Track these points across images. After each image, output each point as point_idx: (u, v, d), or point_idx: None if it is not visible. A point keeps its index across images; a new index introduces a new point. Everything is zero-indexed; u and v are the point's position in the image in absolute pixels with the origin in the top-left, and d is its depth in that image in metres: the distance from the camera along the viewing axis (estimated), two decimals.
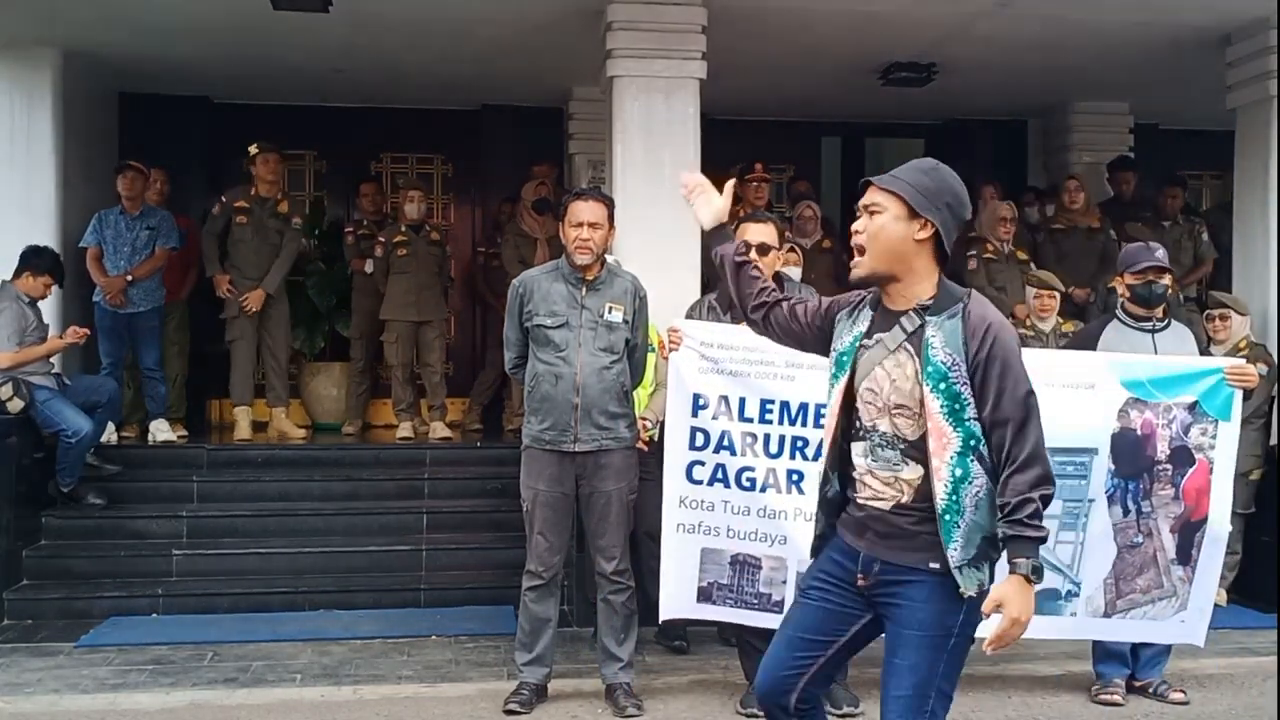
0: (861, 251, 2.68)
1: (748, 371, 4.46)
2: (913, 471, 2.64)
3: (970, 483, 2.58)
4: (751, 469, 4.48)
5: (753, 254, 4.50)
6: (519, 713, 4.54)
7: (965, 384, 2.58)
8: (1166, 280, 4.83)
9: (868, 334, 2.71)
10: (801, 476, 4.41)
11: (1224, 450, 4.51)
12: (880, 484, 2.68)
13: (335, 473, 7.07)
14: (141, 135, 8.31)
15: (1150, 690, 4.82)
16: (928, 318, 2.63)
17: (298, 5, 6.50)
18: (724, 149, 8.21)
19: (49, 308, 6.69)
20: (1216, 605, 4.69)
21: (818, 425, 4.34)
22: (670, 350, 4.58)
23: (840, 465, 2.78)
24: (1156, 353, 4.70)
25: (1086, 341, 4.90)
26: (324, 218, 9.11)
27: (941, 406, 2.57)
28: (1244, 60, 7.03)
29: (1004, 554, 2.59)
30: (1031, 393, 2.59)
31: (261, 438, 7.64)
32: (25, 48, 7.25)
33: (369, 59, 7.81)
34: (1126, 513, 4.52)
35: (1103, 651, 4.83)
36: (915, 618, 2.61)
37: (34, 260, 6.42)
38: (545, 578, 4.60)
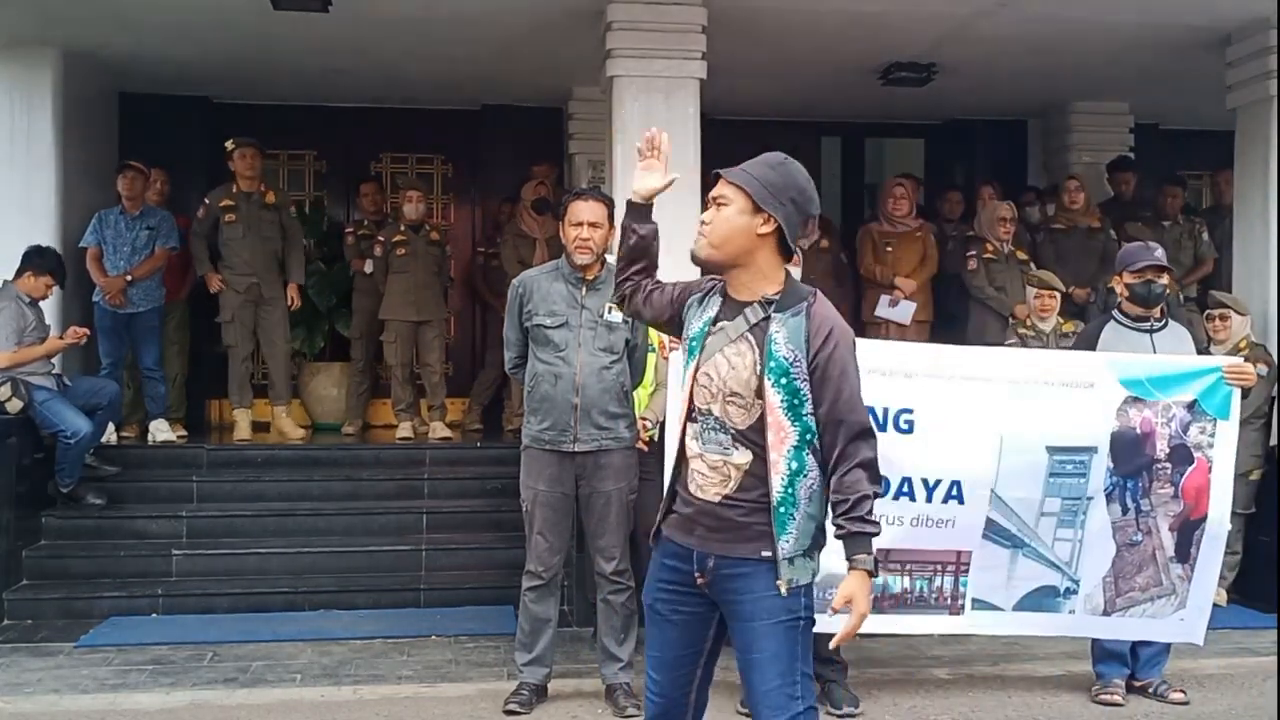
0: (701, 236, 2.73)
1: None
2: (741, 457, 2.66)
3: (805, 475, 2.63)
4: None
5: None
6: (519, 713, 4.54)
7: (805, 380, 2.61)
8: (1165, 280, 4.83)
9: (714, 321, 2.74)
10: None
11: (1223, 449, 4.52)
12: (708, 469, 2.69)
13: (335, 473, 7.06)
14: (141, 135, 8.30)
15: (1150, 690, 4.82)
16: (773, 313, 2.66)
17: (298, 5, 6.50)
18: (724, 149, 8.21)
19: (49, 308, 6.68)
20: (1216, 605, 4.70)
21: None
22: (671, 350, 4.58)
23: (679, 455, 2.80)
24: (1155, 352, 4.70)
25: (1086, 343, 4.90)
26: (324, 218, 9.11)
27: (782, 401, 2.61)
28: (1244, 60, 7.03)
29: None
30: (862, 402, 2.67)
31: (261, 438, 7.64)
32: (25, 48, 7.25)
33: (369, 59, 7.80)
34: (1125, 511, 4.52)
35: (1102, 651, 4.83)
36: (761, 608, 2.63)
37: (36, 260, 6.42)
38: (545, 578, 4.60)
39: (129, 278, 7.13)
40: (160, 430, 7.26)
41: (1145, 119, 9.19)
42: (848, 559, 2.60)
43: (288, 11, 6.57)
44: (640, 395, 5.22)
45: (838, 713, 4.54)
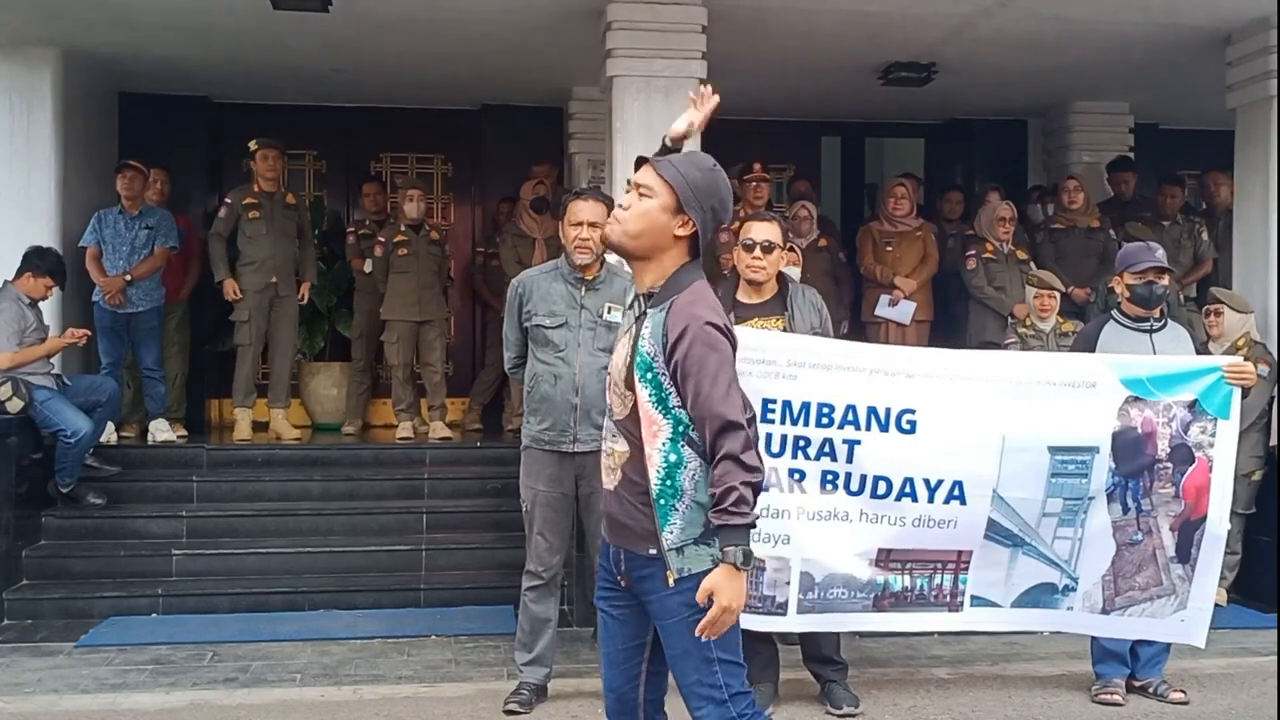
0: (617, 221, 2.69)
1: (749, 371, 4.44)
2: (621, 446, 2.69)
3: (684, 466, 2.61)
4: None
5: (757, 251, 4.54)
6: (519, 713, 4.54)
7: (666, 376, 2.59)
8: (1166, 281, 4.83)
9: (625, 312, 2.84)
10: (803, 475, 4.40)
11: (1223, 448, 4.51)
12: (605, 456, 2.76)
13: (335, 473, 7.07)
14: (141, 135, 8.31)
15: (1150, 690, 4.82)
16: (647, 308, 2.67)
17: (298, 5, 6.50)
18: (724, 149, 8.19)
19: (49, 308, 6.69)
20: (1216, 605, 4.68)
21: (819, 425, 4.34)
22: None
23: None
24: (1154, 352, 4.70)
25: (1085, 343, 4.90)
26: (324, 218, 9.11)
27: (650, 395, 2.61)
28: (1244, 60, 7.03)
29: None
30: (725, 394, 2.55)
31: (261, 438, 7.64)
32: (25, 48, 7.25)
33: (369, 59, 7.81)
34: (1126, 510, 4.52)
35: (1102, 651, 4.83)
36: (663, 608, 2.65)
37: (36, 261, 6.41)
38: (545, 578, 4.60)
39: (128, 278, 7.13)
40: (160, 430, 7.26)
41: (1145, 119, 9.19)
42: (720, 550, 2.54)
43: (288, 11, 6.58)
44: None
45: (838, 712, 4.54)
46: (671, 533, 2.60)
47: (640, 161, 2.73)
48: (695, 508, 2.60)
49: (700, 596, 2.53)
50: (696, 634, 2.55)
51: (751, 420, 2.63)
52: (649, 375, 2.61)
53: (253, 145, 7.60)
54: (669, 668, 2.75)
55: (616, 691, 2.87)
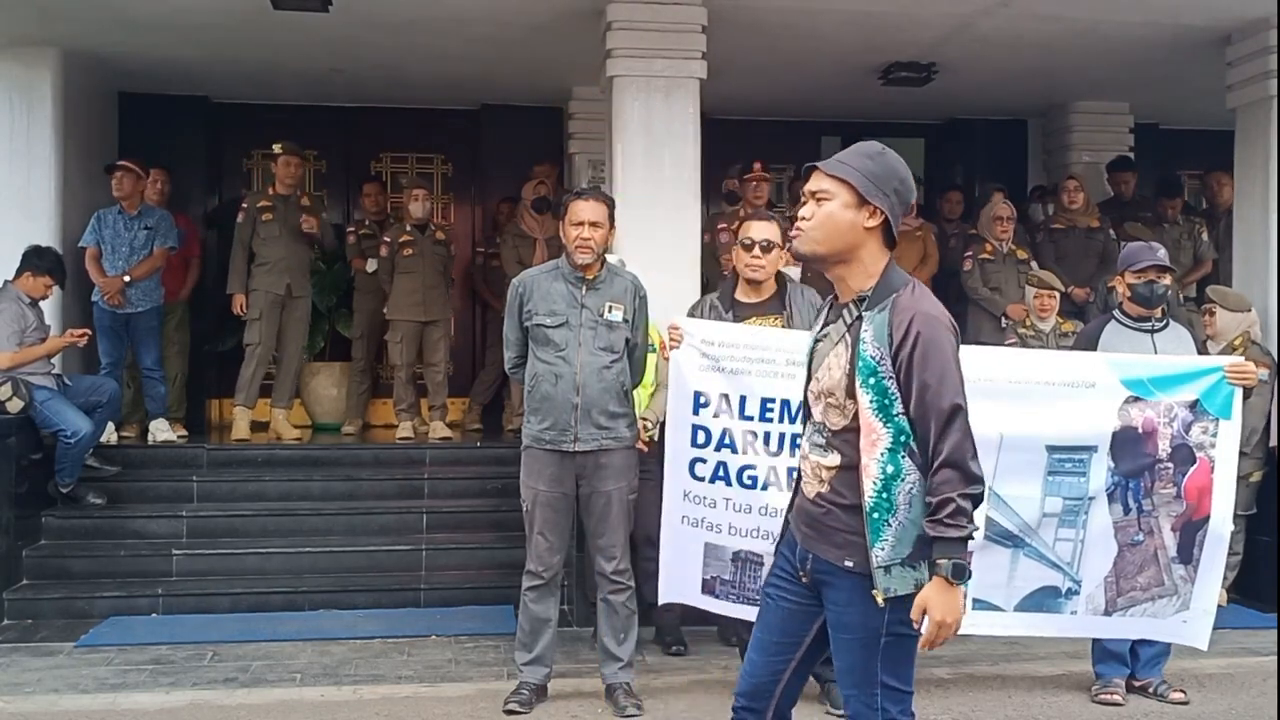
0: (802, 231, 2.64)
1: (748, 370, 4.46)
2: (832, 460, 2.64)
3: (902, 479, 2.53)
4: (753, 467, 4.48)
5: (756, 250, 4.54)
6: (519, 712, 4.54)
7: (892, 379, 2.52)
8: (1168, 280, 4.83)
9: (823, 327, 2.75)
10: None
11: (1225, 449, 4.51)
12: (810, 471, 2.71)
13: (335, 473, 7.07)
14: (141, 135, 8.31)
15: (1150, 690, 4.82)
16: (864, 311, 2.59)
17: (298, 5, 6.50)
18: (724, 149, 8.23)
19: (49, 308, 6.69)
20: (1218, 606, 4.68)
21: None
22: (671, 348, 4.58)
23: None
24: (1156, 352, 4.70)
25: (1086, 342, 4.90)
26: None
27: (871, 402, 2.53)
28: (1244, 60, 7.03)
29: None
30: (958, 390, 2.51)
31: (261, 437, 7.64)
32: (25, 48, 7.25)
33: (369, 59, 7.81)
34: (1127, 511, 4.51)
35: (1102, 651, 4.83)
36: (841, 620, 2.61)
37: (35, 261, 6.42)
38: (545, 577, 4.60)
39: (126, 278, 7.12)
40: (160, 430, 7.26)
41: (1145, 119, 9.19)
42: (931, 564, 2.49)
43: (288, 11, 6.58)
44: (640, 395, 5.22)
45: (837, 713, 4.53)
46: (883, 549, 2.53)
47: (808, 171, 2.68)
48: (909, 524, 2.53)
49: (915, 614, 2.49)
50: (920, 647, 2.55)
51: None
52: (872, 380, 2.53)
53: (277, 148, 7.62)
54: (836, 675, 2.71)
55: (755, 678, 2.80)
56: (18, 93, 7.31)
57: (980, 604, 4.53)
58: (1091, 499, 4.47)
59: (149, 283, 7.27)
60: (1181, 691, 4.78)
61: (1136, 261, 4.79)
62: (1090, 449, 4.46)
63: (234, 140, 9.02)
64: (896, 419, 2.53)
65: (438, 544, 6.50)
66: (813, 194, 2.64)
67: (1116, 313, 4.91)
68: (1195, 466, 4.49)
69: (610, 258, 4.76)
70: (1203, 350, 5.01)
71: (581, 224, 4.49)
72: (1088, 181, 8.32)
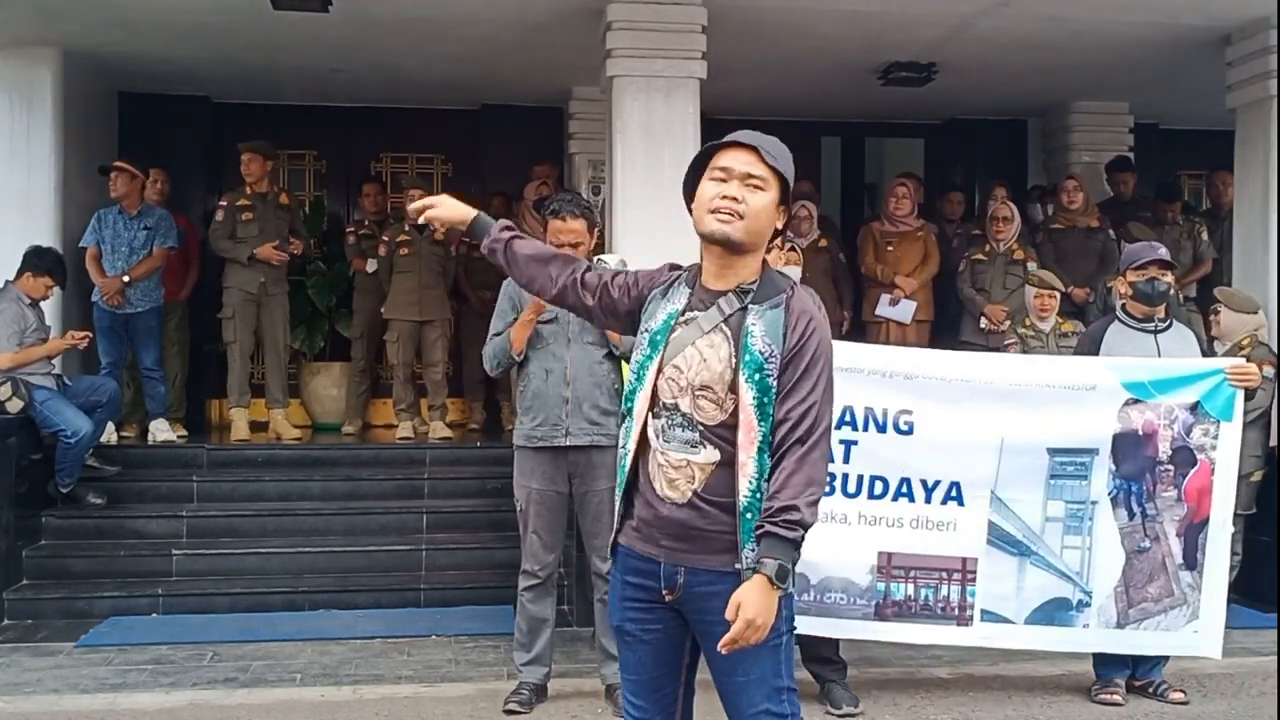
0: (739, 216, 2.48)
1: None
2: (708, 455, 2.47)
3: (767, 479, 2.44)
4: None
5: None
6: (519, 712, 4.54)
7: (776, 377, 2.44)
8: (1169, 278, 4.81)
9: (683, 312, 2.54)
10: None
11: (1226, 451, 4.51)
12: (673, 469, 2.49)
13: (335, 473, 7.06)
14: (141, 135, 8.31)
15: (1150, 690, 4.81)
16: (750, 304, 2.49)
17: (298, 5, 6.51)
18: None
19: (50, 308, 6.69)
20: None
21: None
22: None
23: (637, 454, 2.56)
24: (1159, 353, 4.68)
25: (1089, 343, 4.88)
26: (324, 217, 9.10)
27: (754, 399, 2.43)
28: (1244, 60, 7.03)
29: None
30: (832, 403, 2.50)
31: (261, 437, 7.63)
32: (25, 48, 7.25)
33: (369, 59, 7.81)
34: (1132, 515, 4.51)
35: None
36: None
37: (35, 261, 6.41)
38: (541, 577, 4.61)
39: (126, 279, 7.12)
40: (160, 430, 7.26)
41: (1145, 119, 9.19)
42: (757, 560, 2.38)
43: (288, 11, 6.58)
44: None
45: (837, 712, 4.54)
46: (751, 550, 2.42)
47: (739, 145, 2.53)
48: None
49: (729, 613, 2.36)
50: (719, 648, 2.39)
51: None
52: (757, 376, 2.43)
53: (240, 148, 7.60)
54: (726, 695, 2.55)
55: None
56: (18, 93, 7.31)
57: (989, 615, 4.53)
58: (1094, 503, 4.47)
59: (149, 283, 7.27)
60: (1181, 691, 4.77)
61: (1137, 259, 4.78)
62: (1091, 452, 4.46)
63: (234, 140, 8.97)
64: (769, 419, 2.44)
65: (438, 544, 6.50)
66: (748, 176, 2.50)
67: (1119, 313, 4.90)
68: (1196, 469, 4.50)
69: (611, 258, 4.77)
70: (1208, 351, 5.00)
71: (562, 246, 4.51)
72: (1088, 181, 8.32)
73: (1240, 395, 4.52)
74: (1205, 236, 8.18)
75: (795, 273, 5.59)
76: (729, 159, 2.53)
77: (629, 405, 2.59)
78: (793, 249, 5.92)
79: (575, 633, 5.67)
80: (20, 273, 6.41)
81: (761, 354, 2.45)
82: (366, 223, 8.41)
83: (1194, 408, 4.50)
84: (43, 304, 6.51)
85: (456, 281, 8.58)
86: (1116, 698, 4.74)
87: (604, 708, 4.65)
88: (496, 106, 9.10)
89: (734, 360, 2.46)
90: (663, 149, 6.39)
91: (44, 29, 7.07)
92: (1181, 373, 4.55)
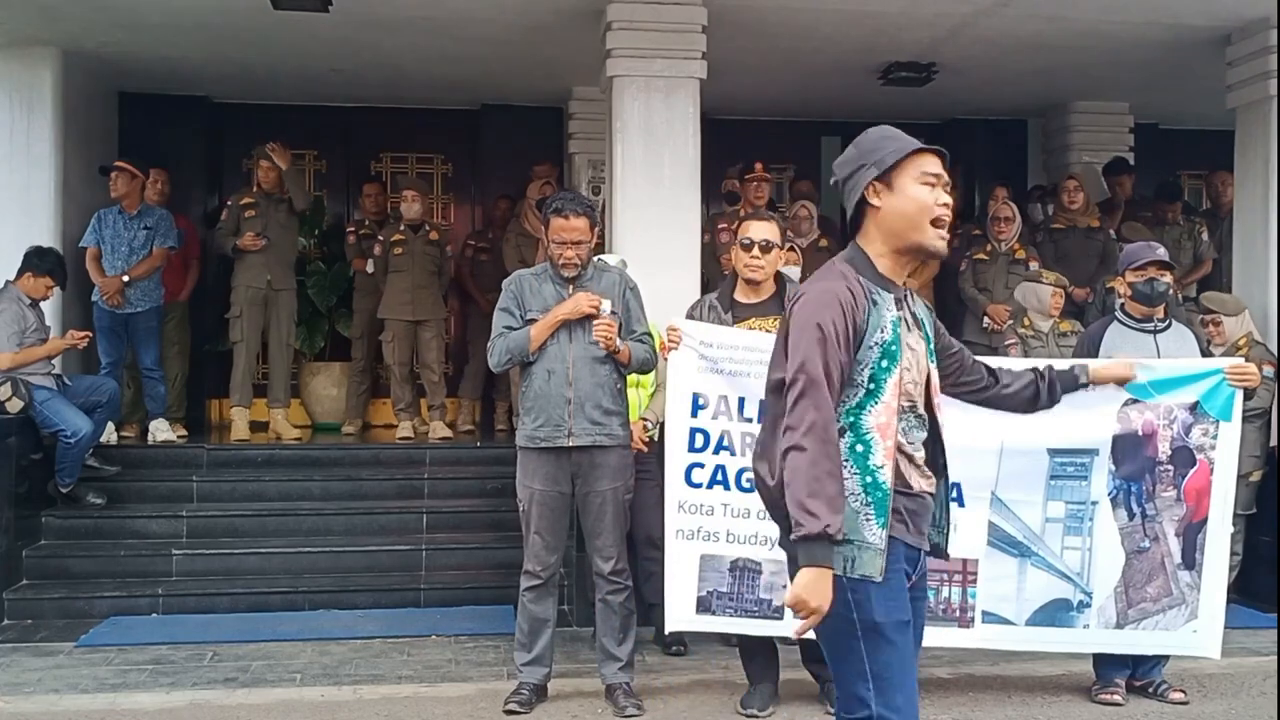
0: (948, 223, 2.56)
1: (747, 371, 4.46)
2: (925, 436, 2.61)
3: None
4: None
5: (755, 250, 4.51)
6: (519, 713, 4.54)
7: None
8: (1168, 278, 4.81)
9: (897, 314, 2.54)
10: None
11: (1225, 451, 4.51)
12: (922, 460, 2.59)
13: (335, 473, 7.07)
14: (141, 135, 8.32)
15: (1150, 690, 4.81)
16: (905, 295, 2.62)
17: (298, 5, 6.51)
18: (724, 149, 8.23)
19: (50, 308, 6.69)
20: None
21: None
22: (670, 349, 4.58)
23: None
24: (1159, 353, 4.68)
25: (1088, 343, 4.88)
26: (324, 217, 9.11)
27: (935, 374, 2.66)
28: (1244, 60, 7.03)
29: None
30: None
31: (261, 437, 7.65)
32: (25, 48, 7.25)
33: (369, 59, 7.81)
34: (1131, 516, 4.51)
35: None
36: (925, 606, 2.65)
37: (36, 261, 6.41)
38: (543, 577, 4.60)
39: (125, 279, 7.12)
40: (160, 430, 7.26)
41: (1145, 119, 9.19)
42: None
43: (288, 11, 6.58)
44: (641, 396, 5.22)
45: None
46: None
47: (933, 151, 2.54)
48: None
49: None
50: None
51: None
52: (933, 356, 2.67)
53: (270, 148, 7.59)
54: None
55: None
56: (18, 93, 7.31)
57: (990, 617, 4.52)
58: (1095, 503, 4.47)
59: (149, 283, 7.27)
60: (1181, 691, 4.77)
61: (1137, 259, 4.78)
62: (1091, 452, 4.46)
63: (234, 140, 9.00)
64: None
65: (438, 544, 6.50)
66: (939, 177, 2.55)
67: (1118, 313, 4.90)
68: (1195, 469, 4.50)
69: (612, 258, 4.78)
70: (1206, 353, 4.99)
71: (565, 244, 4.51)
72: (1088, 181, 8.32)
73: (1239, 395, 4.51)
74: (1205, 236, 8.18)
75: (795, 273, 5.59)
76: (936, 165, 2.54)
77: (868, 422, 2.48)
78: (792, 249, 5.93)
79: (575, 633, 5.67)
80: (20, 273, 6.41)
81: (930, 335, 2.68)
82: (367, 223, 8.42)
83: (1193, 408, 4.50)
84: (43, 304, 6.51)
85: (463, 283, 8.64)
86: (1116, 698, 4.74)
87: (604, 708, 4.64)
88: (496, 106, 9.10)
89: (926, 348, 2.63)
90: (663, 149, 6.39)
91: (44, 29, 7.07)
92: (1181, 373, 4.54)
